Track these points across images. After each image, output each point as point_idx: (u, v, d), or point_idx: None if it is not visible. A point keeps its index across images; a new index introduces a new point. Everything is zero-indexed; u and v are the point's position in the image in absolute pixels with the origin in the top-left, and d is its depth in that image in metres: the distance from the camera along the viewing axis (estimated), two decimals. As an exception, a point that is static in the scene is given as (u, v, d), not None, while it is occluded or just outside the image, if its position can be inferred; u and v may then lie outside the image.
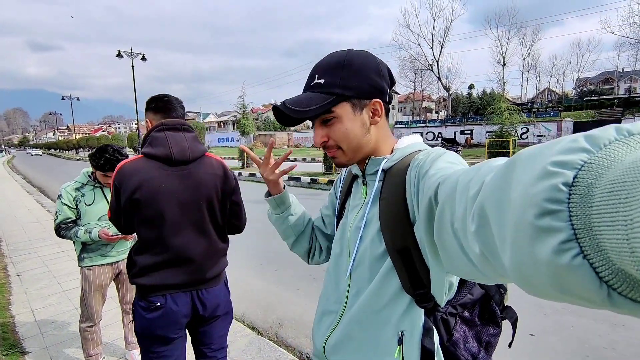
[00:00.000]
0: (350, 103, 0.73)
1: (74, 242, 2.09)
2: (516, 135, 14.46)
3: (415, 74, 43.60)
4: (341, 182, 0.96)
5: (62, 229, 2.02)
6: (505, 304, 0.83)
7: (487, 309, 0.80)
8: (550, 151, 0.27)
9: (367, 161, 0.79)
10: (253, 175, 13.69)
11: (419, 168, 0.65)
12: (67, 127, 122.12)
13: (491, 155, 13.75)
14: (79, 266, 2.09)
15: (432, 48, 38.19)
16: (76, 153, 48.00)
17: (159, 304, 1.32)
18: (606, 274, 0.22)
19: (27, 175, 18.04)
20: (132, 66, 24.79)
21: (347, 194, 0.90)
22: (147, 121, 1.49)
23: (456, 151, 17.74)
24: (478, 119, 30.33)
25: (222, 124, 66.57)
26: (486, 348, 0.78)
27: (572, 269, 0.23)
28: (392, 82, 0.79)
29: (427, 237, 0.53)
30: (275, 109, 0.74)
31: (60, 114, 79.94)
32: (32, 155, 48.73)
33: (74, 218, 2.05)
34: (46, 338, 2.62)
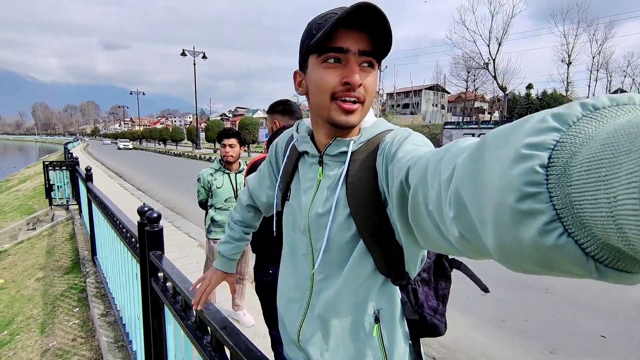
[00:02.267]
0: (378, 61, 0.69)
1: (205, 216, 2.59)
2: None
3: (469, 72, 41.85)
4: (283, 158, 0.88)
5: (204, 204, 2.58)
6: (450, 257, 0.85)
7: (440, 265, 0.84)
8: (520, 132, 0.27)
9: (330, 141, 0.74)
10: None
11: (387, 151, 0.64)
12: (131, 119, 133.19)
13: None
14: (206, 237, 2.59)
15: (488, 46, 36.45)
16: (140, 143, 52.28)
17: (271, 271, 1.59)
18: (592, 249, 0.23)
19: (104, 162, 20.23)
20: (194, 64, 26.61)
21: (292, 172, 0.84)
22: (274, 122, 1.86)
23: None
24: (537, 122, 28.35)
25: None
26: (443, 301, 0.82)
27: (558, 247, 0.24)
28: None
29: (401, 219, 0.53)
30: (366, 6, 0.59)
31: (127, 107, 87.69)
32: (119, 148, 36.01)
33: (207, 197, 2.56)
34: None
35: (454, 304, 0.99)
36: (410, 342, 0.78)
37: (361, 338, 0.74)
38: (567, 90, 40.21)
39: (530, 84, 45.27)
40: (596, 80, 41.97)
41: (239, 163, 2.61)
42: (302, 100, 1.15)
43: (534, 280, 3.67)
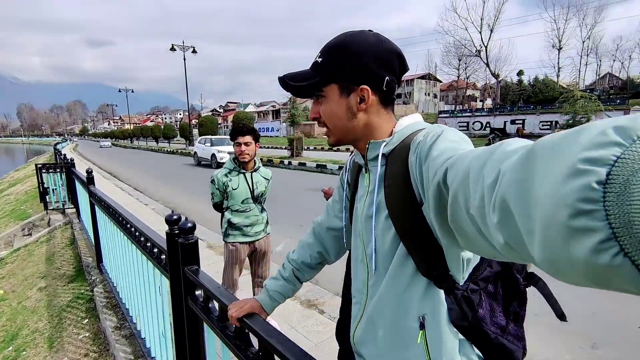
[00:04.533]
0: (338, 85, 0.74)
1: (221, 219, 2.42)
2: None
3: (460, 60, 41.77)
4: (347, 173, 0.95)
5: (219, 207, 2.41)
6: (528, 271, 0.79)
7: (509, 279, 0.76)
8: (577, 145, 0.26)
9: (367, 146, 0.77)
10: (303, 164, 14.05)
11: (419, 150, 0.64)
12: (120, 117, 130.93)
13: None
14: (224, 241, 2.42)
15: (480, 32, 36.30)
16: (131, 142, 51.45)
17: None
18: None
19: (95, 162, 19.80)
20: (184, 59, 26.05)
21: (355, 185, 0.89)
22: None
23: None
24: (530, 108, 28.55)
25: (261, 114, 68.07)
26: (514, 319, 0.75)
27: (613, 267, 0.23)
28: (402, 70, 0.76)
29: (439, 221, 0.53)
30: (279, 79, 0.79)
31: (115, 105, 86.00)
32: (102, 146, 40.57)
33: (222, 200, 2.38)
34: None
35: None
36: (462, 347, 0.72)
37: (406, 344, 0.73)
38: (558, 76, 40.40)
39: (521, 71, 45.34)
40: (586, 64, 42.22)
41: (254, 161, 2.43)
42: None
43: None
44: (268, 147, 26.86)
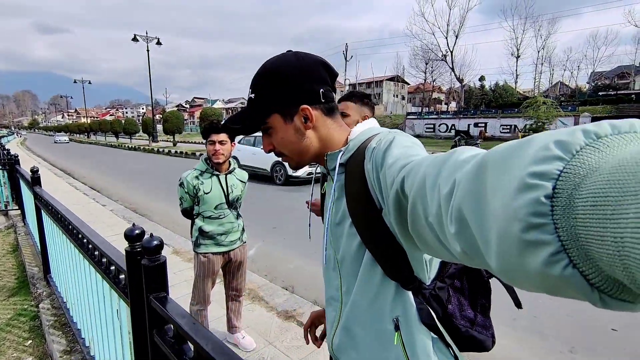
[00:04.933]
0: (279, 114, 0.74)
1: (191, 227, 2.16)
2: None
3: (427, 64, 43.01)
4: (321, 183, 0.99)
5: (189, 213, 2.15)
6: None
7: (472, 272, 0.82)
8: (523, 158, 0.27)
9: (325, 158, 0.78)
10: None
11: (374, 157, 0.65)
12: (76, 110, 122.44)
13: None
14: (194, 251, 2.17)
15: (446, 38, 37.59)
16: (88, 137, 48.19)
17: None
18: (596, 280, 0.23)
19: (46, 158, 18.24)
20: (148, 50, 24.75)
21: (324, 194, 0.93)
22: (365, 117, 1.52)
23: (475, 144, 17.41)
24: (492, 112, 29.95)
25: (229, 111, 66.41)
26: (482, 311, 0.80)
27: (564, 278, 0.24)
28: (332, 76, 0.78)
29: (399, 227, 0.56)
30: (222, 127, 0.85)
31: (71, 97, 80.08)
32: (57, 141, 36.40)
33: (193, 205, 2.12)
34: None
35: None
36: (435, 345, 0.74)
37: (385, 347, 0.74)
38: (516, 82, 42.75)
39: (482, 76, 47.53)
40: (541, 73, 44.99)
41: (229, 162, 2.18)
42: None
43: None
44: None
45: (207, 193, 2.07)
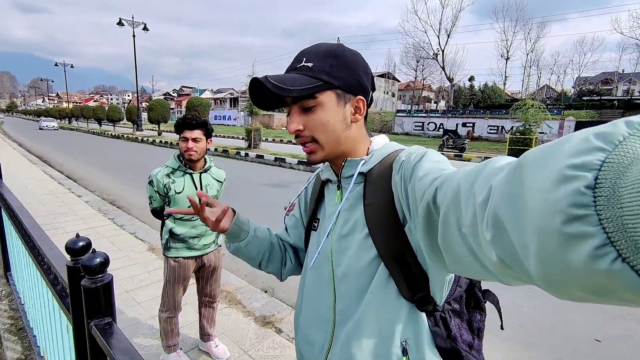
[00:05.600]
0: (335, 93, 0.70)
1: (161, 228, 1.99)
2: (543, 133, 14.41)
3: (418, 62, 43.09)
4: (307, 191, 0.91)
5: (159, 213, 1.98)
6: (483, 288, 0.83)
7: (471, 296, 0.80)
8: (562, 153, 0.26)
9: (343, 164, 0.76)
10: (260, 157, 13.50)
11: (403, 171, 0.64)
12: (57, 94, 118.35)
13: (512, 152, 13.67)
14: (164, 255, 2.00)
15: (438, 37, 37.63)
16: (69, 122, 46.63)
17: None
18: None
19: (22, 143, 17.50)
20: (134, 36, 23.97)
21: (317, 202, 0.85)
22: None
23: (462, 144, 17.47)
24: (480, 112, 30.25)
25: (218, 101, 65.25)
26: (478, 335, 0.79)
27: (612, 273, 0.22)
28: (373, 88, 0.77)
29: (427, 241, 0.52)
30: (254, 82, 0.68)
31: (52, 81, 77.14)
32: (42, 128, 31.07)
33: (164, 205, 1.95)
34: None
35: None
36: None
37: None
38: (504, 84, 43.28)
39: (472, 76, 47.98)
40: (529, 76, 45.67)
41: (205, 160, 2.00)
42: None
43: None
44: (224, 137, 25.69)
45: (178, 193, 1.90)
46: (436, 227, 0.47)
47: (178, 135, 1.91)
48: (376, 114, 36.37)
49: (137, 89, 26.64)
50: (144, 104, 29.86)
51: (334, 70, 0.69)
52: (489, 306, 0.82)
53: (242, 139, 18.12)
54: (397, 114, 33.95)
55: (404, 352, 0.69)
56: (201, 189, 1.96)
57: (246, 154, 14.35)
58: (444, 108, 40.24)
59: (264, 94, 0.72)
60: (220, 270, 2.19)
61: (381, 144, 0.77)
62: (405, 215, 0.65)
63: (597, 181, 0.23)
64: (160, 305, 2.07)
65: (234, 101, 57.60)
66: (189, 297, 2.57)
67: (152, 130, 28.46)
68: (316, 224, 0.84)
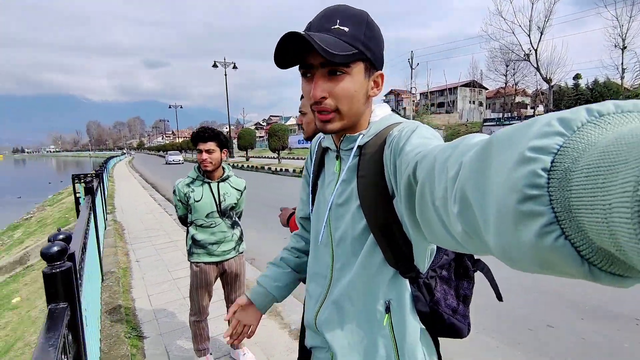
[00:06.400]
0: (365, 64, 0.69)
1: (186, 235, 2.16)
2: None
3: (507, 65, 39.31)
4: (312, 158, 0.94)
5: (184, 220, 2.16)
6: (475, 257, 0.86)
7: (460, 264, 0.84)
8: (526, 135, 0.27)
9: (342, 138, 0.78)
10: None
11: (394, 145, 0.65)
12: (172, 132, 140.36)
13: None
14: (188, 260, 2.15)
15: (529, 35, 33.88)
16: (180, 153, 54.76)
17: None
18: (587, 252, 0.24)
19: (143, 174, 21.03)
20: (225, 75, 27.16)
21: (319, 168, 0.89)
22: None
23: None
24: (590, 113, 25.78)
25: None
26: (464, 301, 0.83)
27: (555, 249, 0.24)
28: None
29: (408, 213, 0.54)
30: (288, 37, 0.62)
31: (167, 121, 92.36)
32: (170, 162, 28.75)
33: (187, 212, 2.12)
34: (161, 325, 2.81)
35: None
36: (422, 335, 0.78)
37: (373, 326, 0.76)
38: (622, 78, 36.29)
39: (578, 74, 41.53)
40: (657, 64, 37.57)
41: (223, 169, 2.13)
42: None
43: (506, 277, 2.89)
44: (299, 159, 26.90)
45: (197, 201, 2.04)
46: (415, 200, 0.49)
47: (226, 155, 2.08)
48: (461, 125, 34.02)
49: (228, 121, 29.98)
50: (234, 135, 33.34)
51: (369, 40, 0.68)
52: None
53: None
54: (485, 124, 31.23)
55: (387, 309, 0.75)
56: (219, 197, 2.08)
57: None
58: (542, 112, 35.55)
59: (293, 51, 0.67)
60: (243, 277, 2.25)
61: (380, 115, 0.77)
62: (394, 188, 0.67)
63: (553, 164, 0.25)
64: (189, 309, 2.21)
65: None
66: (215, 311, 2.68)
67: (242, 156, 31.48)
68: (317, 189, 0.89)
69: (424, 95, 57.31)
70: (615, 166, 0.21)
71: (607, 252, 0.23)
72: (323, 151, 0.88)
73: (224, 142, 2.04)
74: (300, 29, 0.68)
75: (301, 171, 15.74)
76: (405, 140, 0.62)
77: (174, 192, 2.11)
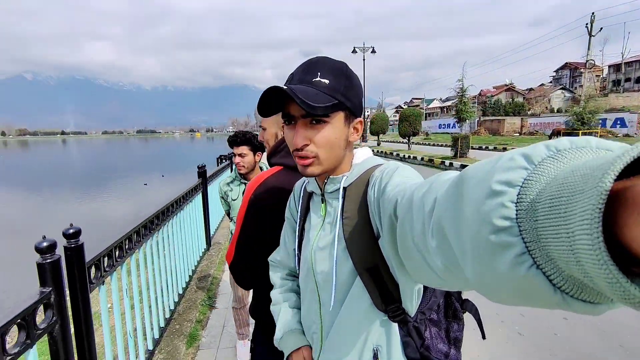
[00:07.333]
0: (344, 113, 0.73)
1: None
2: None
3: None
4: (298, 202, 0.93)
5: (228, 215, 2.35)
6: (463, 297, 0.86)
7: (450, 306, 0.83)
8: (493, 169, 0.29)
9: (325, 180, 0.79)
10: (465, 167, 12.25)
11: (377, 185, 0.67)
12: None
13: None
14: (230, 253, 2.34)
15: None
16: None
17: None
18: (558, 280, 0.25)
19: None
20: (364, 59, 27.45)
21: (305, 212, 0.89)
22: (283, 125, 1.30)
23: None
24: None
25: (445, 110, 64.01)
26: (455, 344, 0.81)
27: (528, 278, 0.25)
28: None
29: (392, 252, 0.56)
30: (272, 90, 0.67)
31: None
32: None
33: (229, 209, 2.30)
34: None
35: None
36: None
37: None
38: None
39: None
40: None
41: (260, 168, 2.20)
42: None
43: None
44: (433, 145, 24.93)
45: (234, 200, 2.18)
46: (396, 237, 0.50)
47: (260, 157, 2.19)
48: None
49: (363, 106, 30.38)
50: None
51: (348, 91, 0.72)
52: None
53: (448, 146, 17.03)
54: None
55: (375, 357, 0.74)
56: (254, 198, 2.15)
57: (450, 164, 13.45)
58: None
59: (275, 102, 0.72)
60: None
61: (362, 158, 0.80)
62: (378, 228, 0.68)
63: (519, 196, 0.27)
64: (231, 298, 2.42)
65: (454, 108, 54.79)
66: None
67: (374, 141, 31.66)
68: (304, 234, 0.89)
69: (614, 67, 43.96)
70: (574, 196, 0.22)
71: (576, 280, 0.24)
72: (309, 196, 0.88)
73: (256, 146, 2.08)
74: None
75: (430, 160, 14.65)
76: (388, 180, 0.64)
77: (219, 190, 2.31)
